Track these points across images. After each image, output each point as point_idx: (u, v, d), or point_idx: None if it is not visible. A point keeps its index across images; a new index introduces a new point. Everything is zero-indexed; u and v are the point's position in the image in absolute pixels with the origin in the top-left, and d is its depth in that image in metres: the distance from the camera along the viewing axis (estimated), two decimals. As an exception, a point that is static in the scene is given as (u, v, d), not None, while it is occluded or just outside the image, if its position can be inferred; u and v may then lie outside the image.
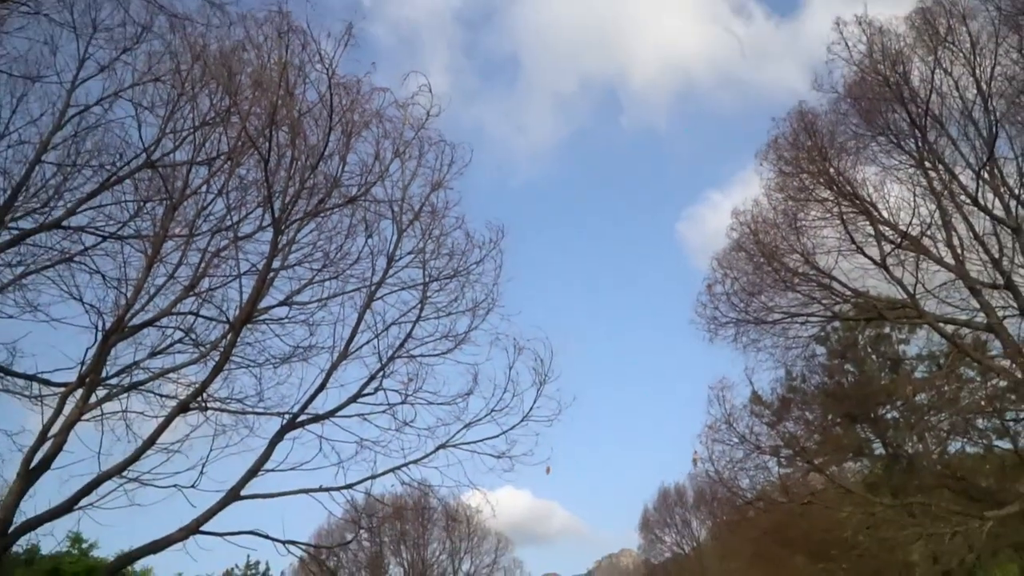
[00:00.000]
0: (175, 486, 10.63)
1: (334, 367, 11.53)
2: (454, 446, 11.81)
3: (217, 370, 10.95)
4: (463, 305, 12.32)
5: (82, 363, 10.71)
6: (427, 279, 12.13)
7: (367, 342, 11.84)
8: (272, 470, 11.12)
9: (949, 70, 20.05)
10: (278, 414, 11.42)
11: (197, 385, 11.08)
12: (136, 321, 11.25)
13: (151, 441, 10.63)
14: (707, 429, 23.22)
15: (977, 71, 19.67)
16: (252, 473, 10.91)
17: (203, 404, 11.08)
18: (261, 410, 11.75)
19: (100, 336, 10.66)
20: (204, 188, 11.94)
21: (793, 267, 21.24)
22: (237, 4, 11.45)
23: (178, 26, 11.95)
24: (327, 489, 11.11)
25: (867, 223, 20.81)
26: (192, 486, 10.56)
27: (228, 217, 11.72)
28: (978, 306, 20.30)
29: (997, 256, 20.05)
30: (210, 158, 11.99)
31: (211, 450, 10.81)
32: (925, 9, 20.07)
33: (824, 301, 21.83)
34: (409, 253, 12.14)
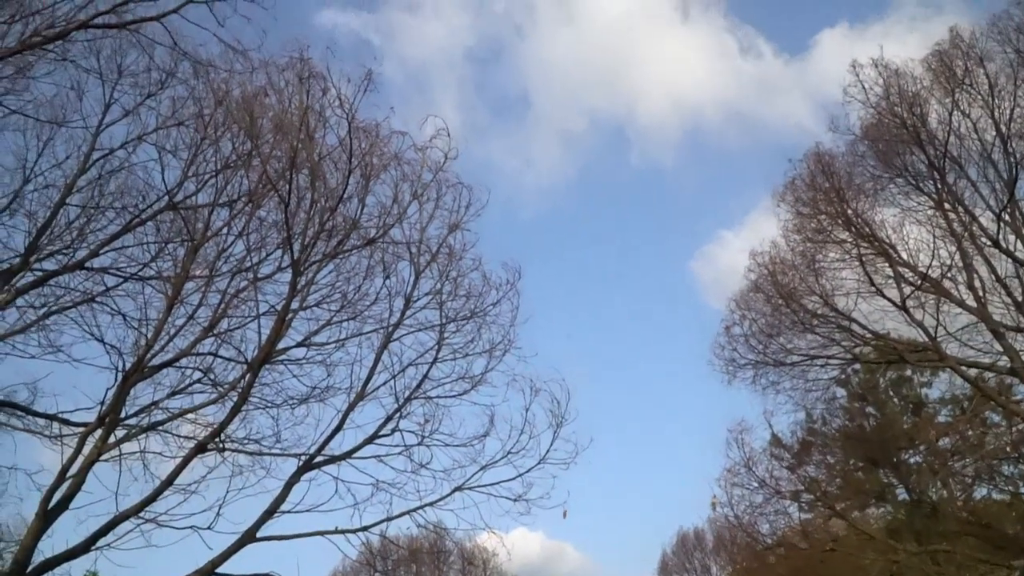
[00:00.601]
0: (192, 527, 10.61)
1: (351, 408, 11.54)
2: (470, 488, 11.72)
3: (235, 411, 10.98)
4: (480, 346, 12.33)
5: (102, 403, 10.80)
6: (444, 320, 12.17)
7: (384, 383, 11.86)
8: (288, 511, 11.09)
9: (967, 112, 20.04)
10: (295, 455, 11.42)
11: (215, 426, 11.10)
12: (156, 361, 11.36)
13: (168, 482, 10.64)
14: (726, 472, 22.94)
15: (996, 113, 19.64)
16: (268, 514, 10.87)
17: (220, 445, 11.09)
18: (278, 451, 11.76)
19: (120, 376, 10.75)
20: (225, 230, 12.11)
21: (812, 309, 21.07)
22: (259, 50, 11.69)
23: (201, 72, 12.23)
24: (343, 531, 11.03)
25: (886, 265, 20.65)
26: (208, 527, 10.53)
27: (248, 258, 11.89)
28: (1001, 350, 20.01)
29: (1020, 299, 19.82)
30: (231, 200, 12.19)
31: (228, 491, 10.79)
32: (942, 52, 20.15)
33: (844, 343, 21.61)
34: (426, 294, 12.21)
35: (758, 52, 65.53)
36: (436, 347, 12.07)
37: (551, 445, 11.72)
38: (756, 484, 22.22)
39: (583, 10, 66.00)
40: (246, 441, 11.86)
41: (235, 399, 11.06)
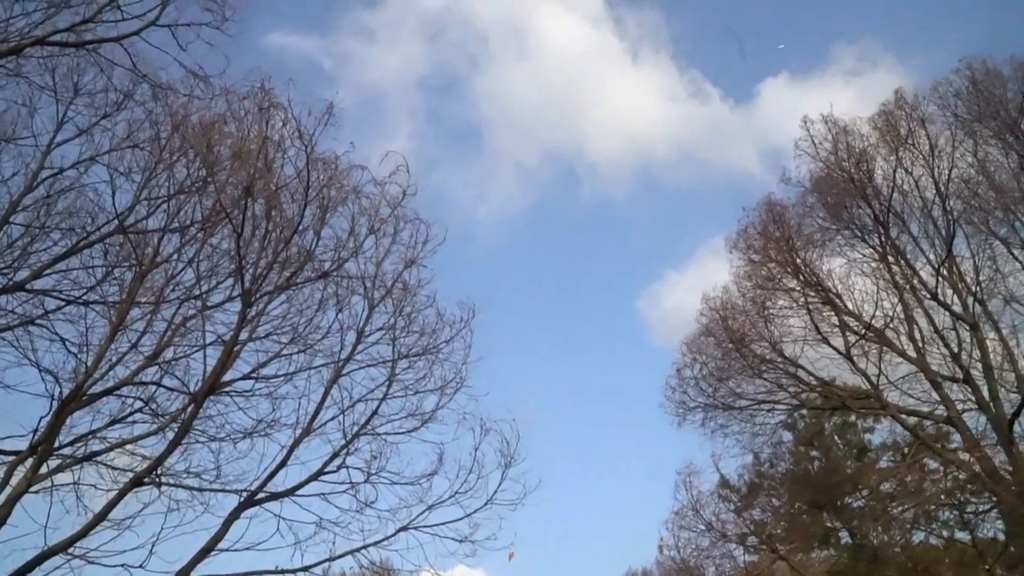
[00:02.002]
0: (123, 565, 10.18)
1: (297, 443, 11.29)
2: (416, 528, 11.52)
3: (176, 443, 10.66)
4: (431, 383, 12.21)
5: (35, 431, 10.37)
6: (396, 356, 12.04)
7: (332, 418, 11.64)
8: (226, 550, 10.73)
9: (910, 170, 20.89)
10: (236, 491, 11.09)
11: (154, 458, 10.76)
12: (96, 389, 10.98)
13: (102, 516, 10.23)
14: (674, 515, 23.05)
15: (935, 172, 20.51)
16: (205, 552, 10.51)
17: (158, 478, 10.74)
18: (218, 486, 11.40)
19: (56, 404, 10.36)
20: (175, 256, 11.86)
21: (761, 354, 21.48)
22: (221, 77, 11.62)
23: (160, 95, 12.07)
24: (283, 571, 10.72)
25: (832, 314, 21.22)
26: (141, 566, 10.12)
27: (197, 287, 11.63)
28: (939, 399, 20.61)
29: (956, 351, 20.48)
30: (183, 226, 11.95)
31: (163, 527, 10.42)
32: (887, 112, 21.02)
33: (791, 389, 22.04)
34: (379, 329, 12.07)
35: (706, 96, 67.33)
36: (387, 383, 11.92)
37: (499, 486, 11.61)
38: (703, 527, 22.34)
39: (536, 45, 67.19)
40: (185, 475, 11.50)
41: (176, 431, 10.75)
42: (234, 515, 10.81)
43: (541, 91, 66.09)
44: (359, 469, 11.49)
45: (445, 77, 70.84)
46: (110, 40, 11.40)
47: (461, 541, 11.54)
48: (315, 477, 11.29)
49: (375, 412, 11.79)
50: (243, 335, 11.10)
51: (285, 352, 12.00)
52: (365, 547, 11.20)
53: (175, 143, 11.87)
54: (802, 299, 21.22)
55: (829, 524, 28.88)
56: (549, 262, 62.66)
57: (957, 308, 20.79)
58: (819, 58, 77.30)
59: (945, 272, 20.78)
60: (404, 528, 11.42)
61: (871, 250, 21.71)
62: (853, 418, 28.27)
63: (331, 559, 11.03)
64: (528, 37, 67.75)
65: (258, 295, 10.91)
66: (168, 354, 11.64)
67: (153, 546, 10.19)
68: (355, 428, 11.59)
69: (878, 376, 20.84)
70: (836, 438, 29.36)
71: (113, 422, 11.60)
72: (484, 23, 69.17)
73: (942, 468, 23.22)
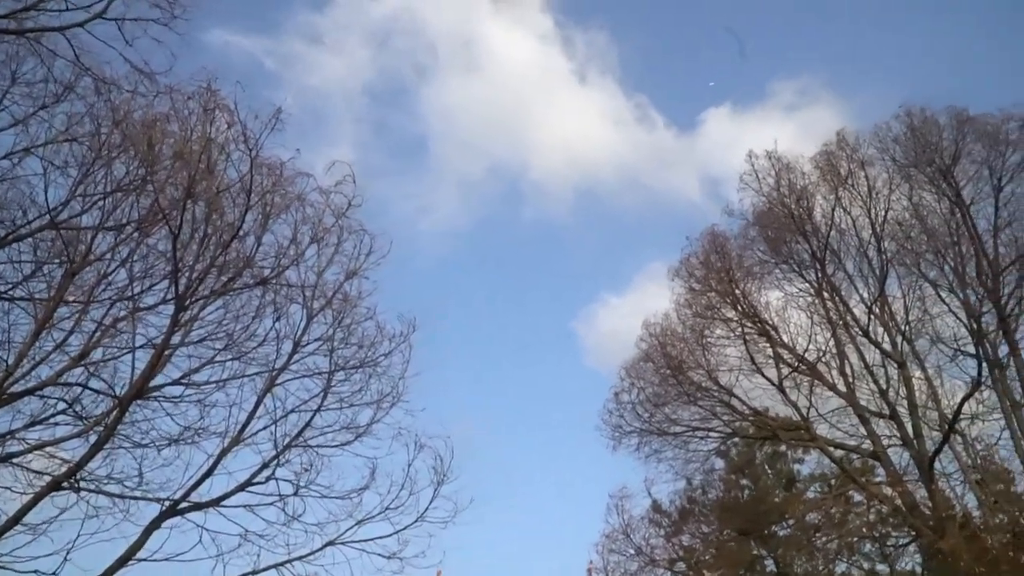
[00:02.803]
0: (35, 572, 9.80)
1: (225, 452, 11.04)
2: (343, 543, 11.35)
3: (98, 447, 10.33)
4: (367, 397, 12.10)
5: (-53, 430, 9.96)
6: (333, 368, 11.91)
7: (263, 428, 11.43)
8: (145, 559, 10.41)
9: (848, 210, 21.60)
10: (158, 500, 10.78)
11: (74, 462, 10.40)
12: (16, 388, 10.59)
13: (15, 520, 9.83)
14: (604, 539, 23.16)
15: (872, 213, 21.21)
16: (122, 562, 10.18)
17: (77, 483, 10.37)
18: (140, 494, 11.05)
19: (-28, 402, 9.97)
20: (108, 255, 11.54)
21: (697, 382, 21.81)
22: (166, 75, 11.39)
23: (103, 90, 11.75)
24: (202, 584, 10.45)
25: (768, 345, 21.68)
26: (54, 573, 9.76)
27: (130, 288, 11.33)
28: (866, 433, 21.18)
29: (884, 387, 21.11)
30: (119, 225, 11.64)
31: (79, 534, 10.06)
32: (829, 152, 21.70)
33: (725, 417, 22.40)
34: (317, 340, 11.94)
35: (651, 123, 68.43)
36: (322, 395, 11.78)
37: (431, 503, 11.55)
38: (633, 551, 22.48)
39: (485, 59, 67.42)
40: (107, 481, 11.12)
41: (100, 435, 10.42)
42: (155, 524, 10.51)
43: (488, 106, 66.30)
44: (288, 481, 11.31)
45: (392, 86, 70.52)
46: (53, 30, 11.08)
47: (389, 557, 11.42)
48: (242, 488, 11.05)
49: (308, 424, 11.64)
50: (175, 339, 10.86)
51: (218, 359, 11.77)
52: (290, 561, 10.98)
53: (115, 139, 11.58)
54: (739, 329, 21.66)
55: (756, 552, 29.34)
56: (489, 278, 62.60)
57: (886, 346, 21.46)
58: (759, 91, 79.46)
59: (877, 310, 21.46)
60: (331, 543, 11.25)
61: (808, 285, 22.31)
62: (783, 448, 28.89)
63: (254, 572, 10.79)
64: (477, 50, 68.05)
65: (193, 299, 10.68)
66: (96, 355, 11.30)
67: (68, 553, 9.85)
68: (287, 439, 11.41)
69: (808, 408, 21.35)
70: (766, 467, 29.92)
71: (33, 423, 11.17)
72: (433, 34, 69.30)
73: (866, 501, 23.85)
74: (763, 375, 21.35)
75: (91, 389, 11.33)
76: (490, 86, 65.95)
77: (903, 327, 21.36)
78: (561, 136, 64.86)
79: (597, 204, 66.65)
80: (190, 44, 10.94)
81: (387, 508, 11.49)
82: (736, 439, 25.66)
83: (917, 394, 21.11)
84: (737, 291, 21.69)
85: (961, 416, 20.25)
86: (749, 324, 21.63)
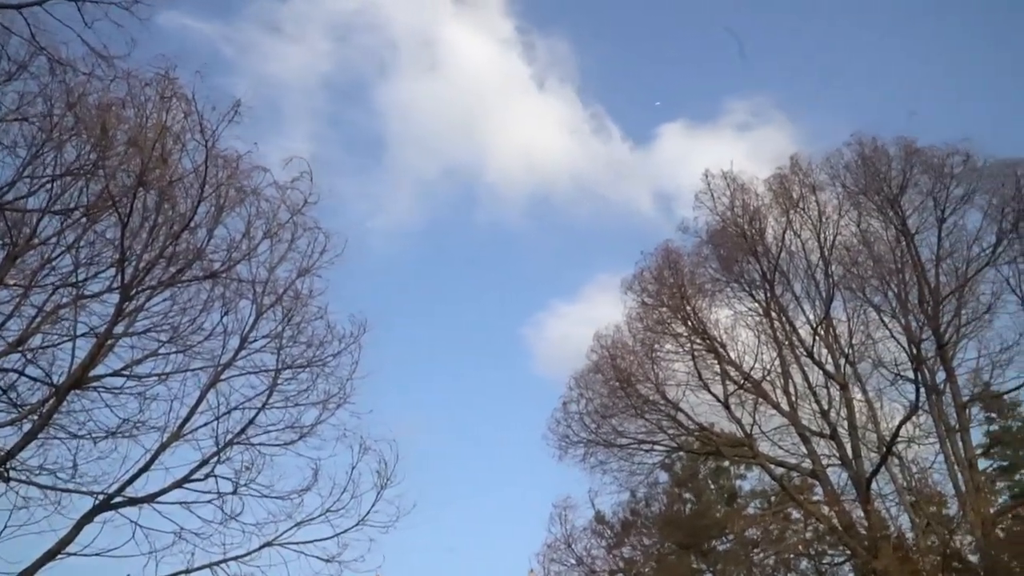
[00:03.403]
0: (-44, 562, 9.50)
1: (164, 447, 10.82)
2: (282, 544, 11.20)
3: (31, 436, 10.05)
4: (314, 396, 11.97)
5: None
6: (280, 366, 11.76)
7: (204, 424, 11.23)
8: (75, 554, 10.16)
9: (799, 233, 22.06)
10: (91, 493, 10.50)
11: (4, 451, 10.09)
12: (-53, 372, 10.26)
13: (-62, 508, 9.53)
14: (546, 548, 23.22)
15: (821, 237, 21.72)
16: (51, 555, 9.91)
17: (6, 473, 10.07)
18: (73, 487, 10.76)
19: (-101, 385, 9.62)
20: (54, 240, 11.25)
21: (645, 395, 22.03)
22: (125, 60, 11.15)
23: (58, 71, 11.46)
24: (133, 581, 10.21)
25: (715, 362, 22.01)
26: (-24, 564, 9.46)
27: (75, 274, 11.06)
28: (806, 452, 21.63)
29: (826, 408, 21.60)
30: (66, 209, 11.36)
31: (7, 525, 9.77)
32: (783, 176, 22.17)
33: (670, 431, 22.67)
34: (265, 337, 11.78)
35: (608, 134, 69.00)
36: (267, 392, 11.62)
37: (373, 506, 11.46)
38: (574, 561, 22.56)
39: (445, 60, 67.28)
40: (39, 472, 10.81)
41: (34, 423, 10.14)
42: (87, 518, 10.26)
43: (446, 107, 66.13)
44: (228, 479, 11.11)
45: (351, 81, 69.87)
46: (9, 7, 10.79)
47: (328, 560, 11.31)
48: (179, 484, 10.84)
49: (252, 421, 11.47)
50: (118, 329, 10.64)
51: (162, 351, 11.55)
52: (225, 561, 10.79)
53: (68, 122, 11.30)
54: (688, 345, 21.96)
55: (695, 566, 29.70)
56: (440, 280, 62.30)
57: (830, 367, 21.96)
58: (712, 109, 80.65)
59: (822, 332, 21.96)
60: (269, 544, 11.09)
61: (757, 304, 22.72)
62: (727, 464, 29.35)
63: (188, 571, 10.58)
64: (437, 51, 67.89)
65: (139, 289, 10.46)
66: (34, 342, 11.00)
67: (-7, 545, 9.55)
68: (228, 436, 11.23)
69: (752, 426, 21.75)
70: (709, 482, 30.35)
71: (-37, 409, 10.83)
72: (394, 32, 68.96)
73: (804, 519, 24.34)
74: (710, 391, 21.68)
75: (27, 376, 11.02)
76: (449, 87, 65.86)
77: (846, 350, 21.89)
78: (518, 141, 65.08)
79: (550, 212, 66.93)
80: (149, 29, 10.73)
81: (328, 510, 11.38)
82: (681, 453, 25.98)
83: (857, 416, 21.65)
84: (688, 307, 22.00)
85: (898, 439, 20.83)
86: (698, 340, 21.96)
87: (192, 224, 10.58)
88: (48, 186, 11.35)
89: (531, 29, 79.58)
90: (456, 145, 69.75)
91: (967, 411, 21.43)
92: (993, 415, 24.33)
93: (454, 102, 65.45)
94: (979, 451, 22.74)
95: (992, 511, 19.97)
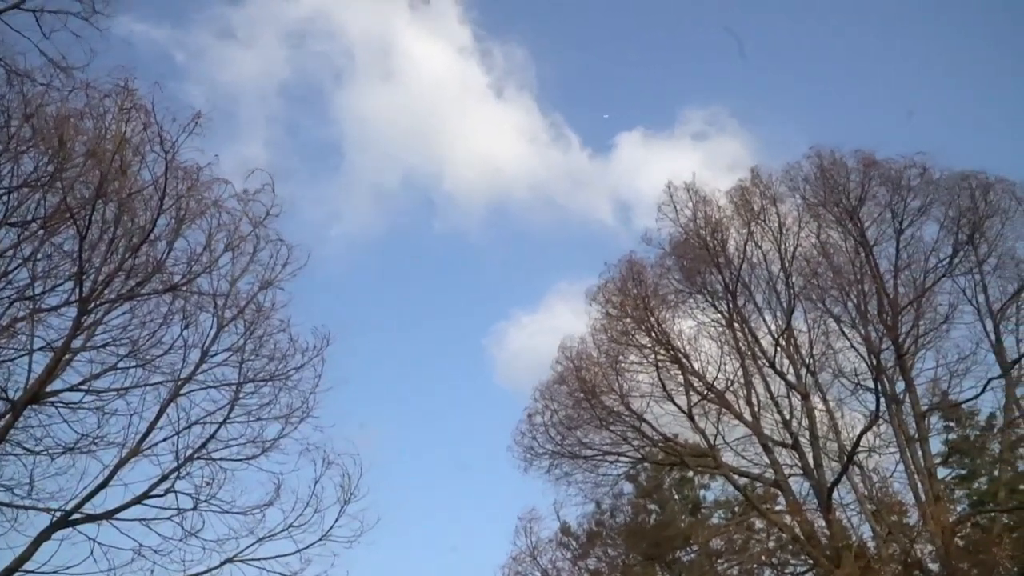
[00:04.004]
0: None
1: (123, 463, 10.69)
2: (243, 561, 11.09)
3: (-16, 453, 9.86)
4: (276, 411, 11.90)
5: None
6: (241, 379, 11.68)
7: (164, 439, 11.11)
8: (32, 572, 10.01)
9: (760, 244, 22.40)
10: (48, 510, 10.33)
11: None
12: None
13: None
14: (511, 560, 23.20)
15: (782, 248, 22.09)
16: (8, 573, 9.78)
17: (-42, 490, 9.87)
18: (30, 503, 10.58)
19: None
20: (10, 253, 11.07)
21: (610, 406, 22.13)
22: (83, 71, 11.05)
23: (15, 81, 11.33)
24: (90, 599, 10.04)
25: (679, 373, 22.20)
26: (-73, 584, 9.23)
27: (31, 287, 10.89)
28: (769, 462, 21.88)
29: (788, 418, 21.89)
30: (23, 222, 11.20)
31: (-42, 544, 9.57)
32: (744, 187, 22.53)
33: (635, 442, 22.77)
34: (226, 350, 11.70)
35: (567, 142, 69.28)
36: (229, 406, 11.53)
37: (336, 521, 11.40)
38: (539, 574, 22.54)
39: (402, 67, 67.02)
40: (-7, 489, 10.62)
41: (-13, 440, 9.95)
42: (45, 535, 10.10)
43: (404, 115, 65.82)
44: (188, 495, 11.00)
45: (307, 88, 69.34)
46: (-37, 17, 10.65)
47: (291, 576, 11.20)
48: (138, 500, 10.71)
49: (212, 436, 11.37)
50: (76, 343, 10.50)
51: (121, 365, 11.42)
52: (185, 578, 10.66)
53: (25, 133, 11.17)
54: (652, 356, 22.11)
55: (660, 576, 29.85)
56: (400, 289, 61.80)
57: (791, 377, 22.27)
58: (668, 118, 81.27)
59: (783, 343, 22.28)
60: (230, 560, 10.99)
61: (719, 315, 22.98)
62: (691, 474, 29.56)
63: (147, 588, 10.43)
64: (394, 58, 67.57)
65: (98, 302, 10.35)
66: (-11, 356, 10.79)
67: (-56, 565, 9.34)
68: (189, 451, 11.12)
69: (715, 436, 21.95)
70: (674, 493, 30.53)
71: (-86, 425, 10.57)
72: (350, 38, 68.54)
73: (767, 529, 24.58)
74: (673, 402, 21.84)
75: (-19, 392, 10.82)
76: (406, 95, 65.54)
77: (807, 360, 22.22)
78: (476, 150, 64.96)
79: (509, 220, 66.90)
80: (107, 39, 10.66)
81: (291, 525, 11.30)
82: (645, 464, 26.11)
83: (819, 425, 21.95)
84: (652, 318, 22.18)
85: (859, 448, 21.13)
86: (662, 351, 22.13)
87: (152, 237, 10.51)
88: (4, 198, 11.18)
89: (488, 37, 79.77)
90: (414, 153, 69.58)
91: (926, 420, 21.85)
92: (952, 424, 24.80)
93: (411, 110, 65.22)
94: (938, 460, 23.17)
95: (951, 519, 20.34)
